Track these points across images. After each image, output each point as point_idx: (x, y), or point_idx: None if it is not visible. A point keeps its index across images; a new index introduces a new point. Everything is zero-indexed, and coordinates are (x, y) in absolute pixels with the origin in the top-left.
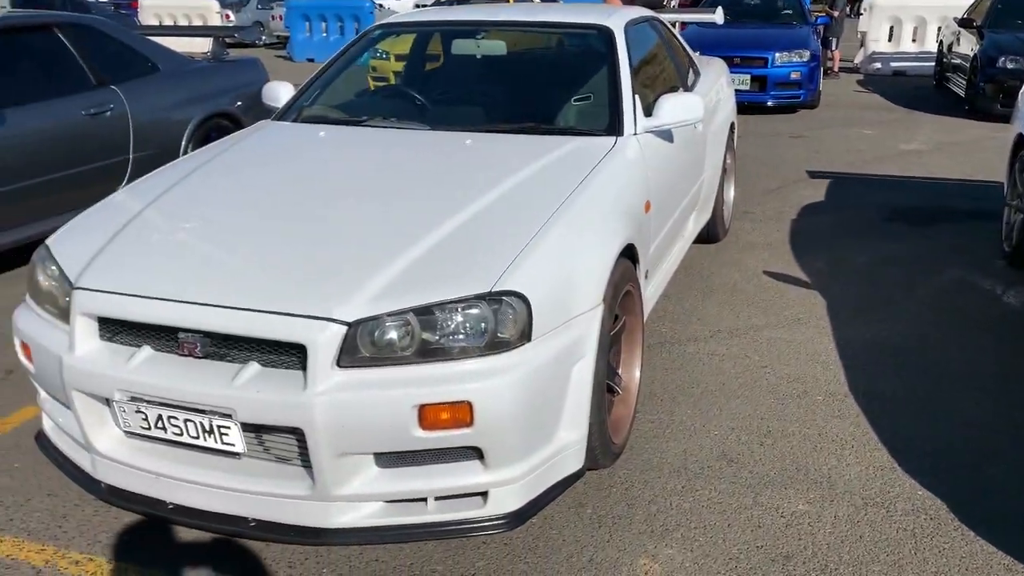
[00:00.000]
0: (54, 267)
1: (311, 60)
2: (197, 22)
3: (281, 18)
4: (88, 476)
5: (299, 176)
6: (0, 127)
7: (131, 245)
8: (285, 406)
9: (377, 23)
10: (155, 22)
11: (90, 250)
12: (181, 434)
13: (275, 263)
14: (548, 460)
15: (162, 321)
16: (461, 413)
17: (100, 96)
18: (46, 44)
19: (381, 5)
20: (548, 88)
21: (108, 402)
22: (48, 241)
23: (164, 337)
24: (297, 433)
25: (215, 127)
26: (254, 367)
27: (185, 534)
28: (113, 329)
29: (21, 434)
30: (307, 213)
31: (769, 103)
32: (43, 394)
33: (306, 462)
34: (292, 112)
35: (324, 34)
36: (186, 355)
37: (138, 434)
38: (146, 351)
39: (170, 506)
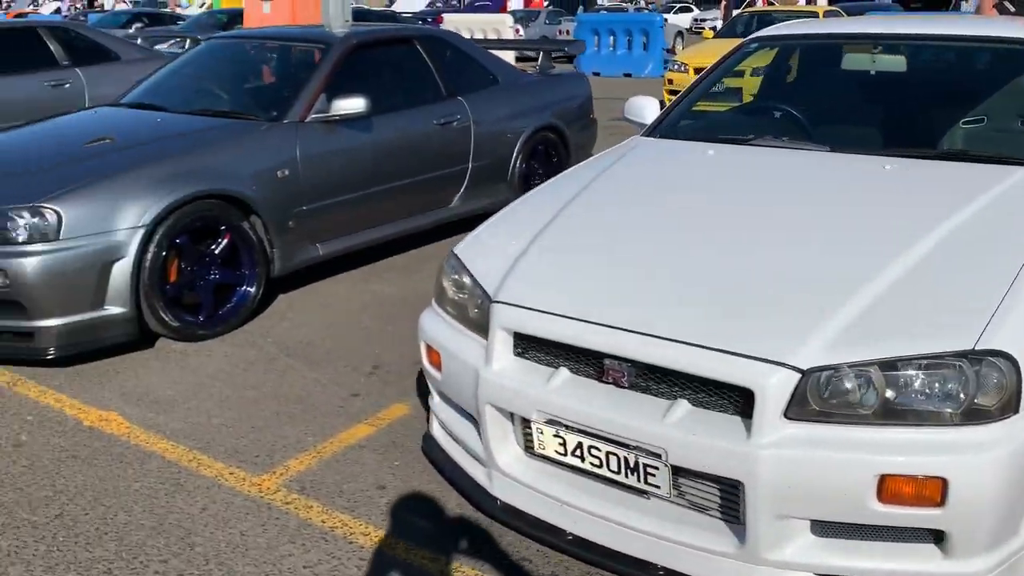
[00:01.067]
0: (467, 278)
1: (596, 74)
2: (491, 36)
3: (568, 32)
4: (481, 490)
5: (702, 199)
6: (369, 134)
7: (544, 262)
8: (724, 454)
9: (753, 35)
10: None
11: (502, 263)
12: (600, 466)
13: (708, 295)
14: (1013, 555)
15: (591, 345)
16: (930, 490)
17: (449, 107)
18: (407, 56)
19: (666, 19)
20: (974, 109)
21: (512, 418)
22: (457, 251)
23: (584, 361)
24: (724, 483)
25: (542, 140)
26: (684, 406)
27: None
28: (525, 345)
29: (396, 432)
30: (725, 240)
31: None
32: (437, 399)
33: (727, 515)
34: (664, 128)
35: (611, 48)
36: (609, 383)
37: (544, 456)
38: (564, 373)
39: (569, 537)
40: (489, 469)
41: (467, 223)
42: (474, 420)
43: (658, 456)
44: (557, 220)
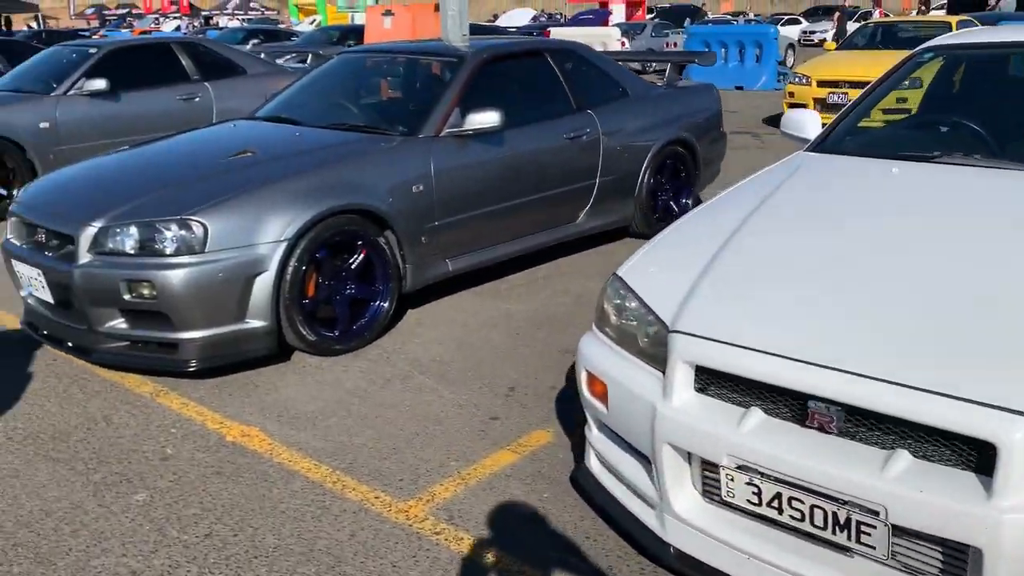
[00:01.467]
0: (633, 303)
1: None
2: (597, 47)
3: (677, 45)
4: (650, 534)
5: (899, 222)
6: (500, 148)
7: (727, 290)
8: (959, 516)
9: (926, 44)
10: None
11: (676, 289)
12: (801, 520)
13: (930, 332)
14: None
15: (794, 385)
16: None
17: (579, 120)
18: (538, 69)
19: (779, 31)
20: None
21: (690, 459)
22: (621, 274)
23: (781, 401)
24: (949, 546)
25: (671, 154)
26: (905, 457)
27: None
28: (707, 380)
29: (541, 461)
30: (939, 270)
31: None
32: (596, 431)
33: None
34: (829, 143)
35: (723, 60)
36: (813, 427)
37: (730, 504)
38: (757, 414)
39: None
40: (660, 512)
41: (585, 241)
42: (643, 457)
43: (876, 514)
44: (733, 244)
